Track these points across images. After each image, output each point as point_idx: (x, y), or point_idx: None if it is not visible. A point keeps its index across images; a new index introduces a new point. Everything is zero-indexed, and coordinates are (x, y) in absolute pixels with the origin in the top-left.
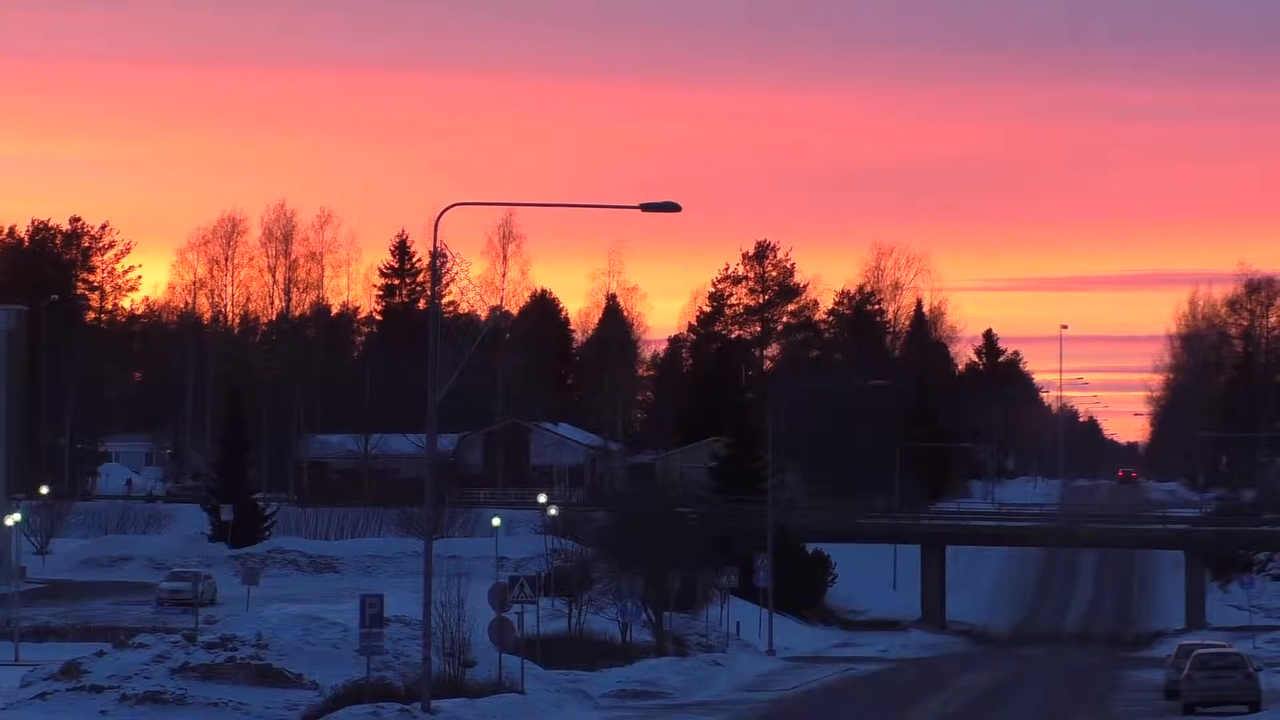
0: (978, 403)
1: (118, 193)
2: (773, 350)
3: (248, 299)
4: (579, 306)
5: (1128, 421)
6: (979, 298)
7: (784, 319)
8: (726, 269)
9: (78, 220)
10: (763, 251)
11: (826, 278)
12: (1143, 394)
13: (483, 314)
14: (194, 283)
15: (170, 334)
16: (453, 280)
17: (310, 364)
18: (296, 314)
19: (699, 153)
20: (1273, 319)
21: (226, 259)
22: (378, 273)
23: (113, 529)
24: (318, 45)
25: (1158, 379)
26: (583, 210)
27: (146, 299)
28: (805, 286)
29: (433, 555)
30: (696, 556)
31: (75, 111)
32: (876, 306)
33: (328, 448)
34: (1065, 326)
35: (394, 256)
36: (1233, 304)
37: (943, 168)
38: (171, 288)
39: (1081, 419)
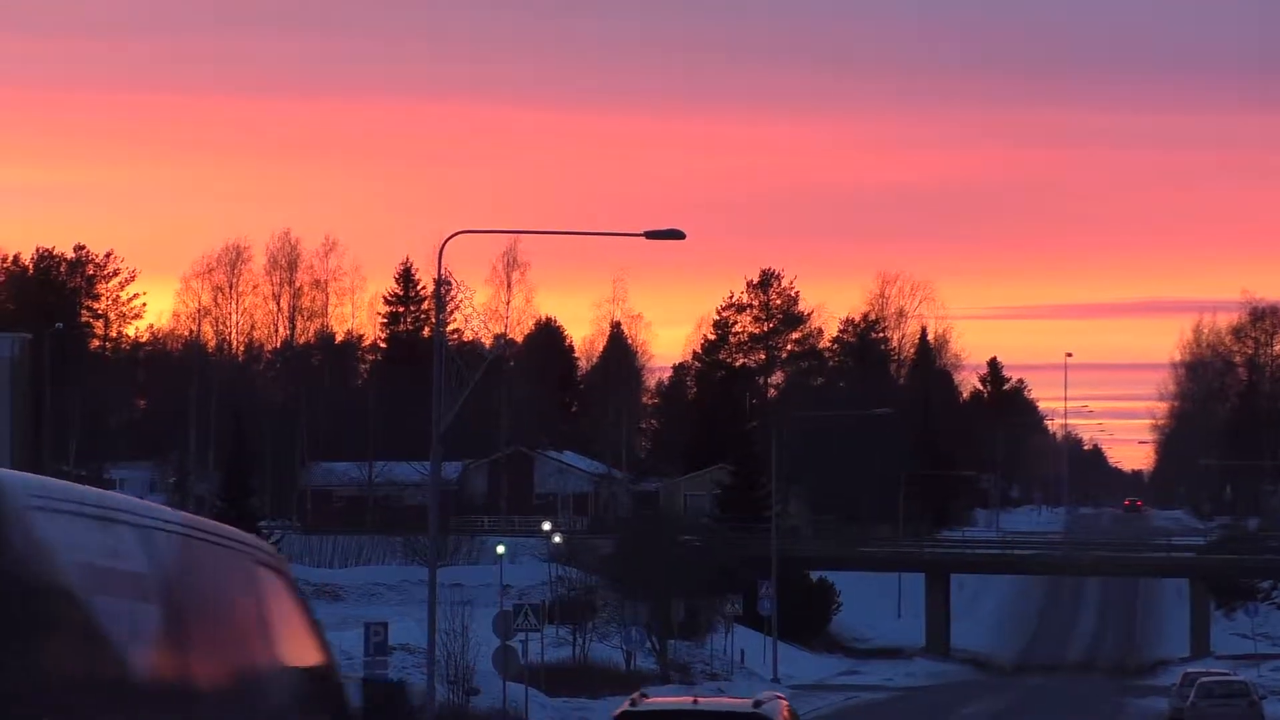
0: (982, 431)
1: (122, 220)
2: (777, 378)
3: (252, 326)
4: (583, 334)
5: (1132, 450)
6: (983, 326)
7: (788, 347)
8: (731, 297)
9: (82, 248)
10: (767, 279)
11: (831, 306)
12: (1147, 422)
13: (487, 342)
14: (198, 310)
15: (174, 362)
16: (457, 308)
17: (315, 391)
18: (301, 342)
19: (703, 180)
20: (1277, 347)
21: (231, 287)
22: (382, 300)
23: None
24: (322, 74)
25: (1162, 407)
26: (587, 238)
27: (151, 327)
28: (809, 314)
29: (437, 583)
30: (700, 584)
31: (79, 139)
32: (881, 335)
33: (332, 475)
34: (1070, 355)
35: (398, 284)
36: (1237, 332)
37: (947, 195)
38: (176, 315)
39: (1086, 447)
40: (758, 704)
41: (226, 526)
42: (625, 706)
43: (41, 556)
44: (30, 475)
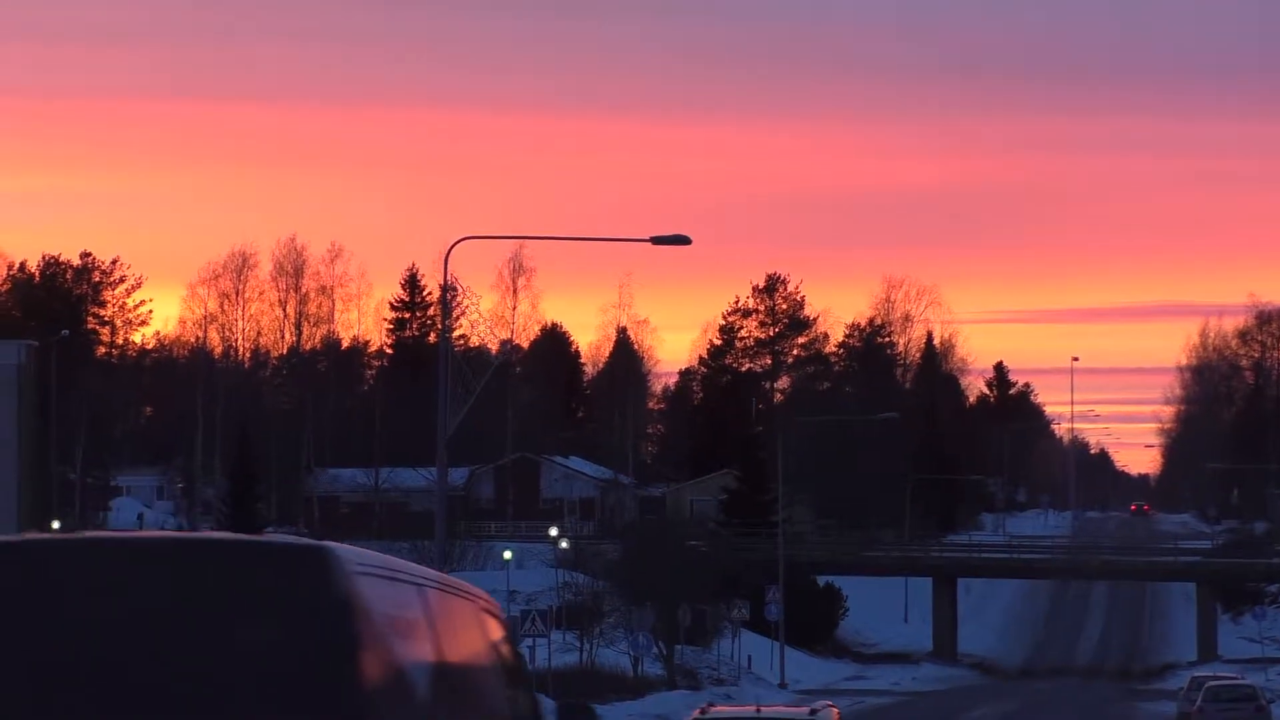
0: (988, 435)
1: (128, 228)
2: (783, 383)
3: (258, 333)
4: (589, 340)
5: (1139, 453)
6: (989, 330)
7: (794, 352)
8: (736, 302)
9: (88, 255)
10: (773, 284)
11: (836, 310)
12: (1154, 426)
13: (493, 347)
14: (204, 317)
15: (181, 368)
16: (463, 314)
17: (321, 398)
18: (307, 348)
19: (709, 186)
20: None
21: (237, 293)
22: (388, 306)
23: None
24: (328, 81)
25: (1169, 411)
26: (593, 244)
27: (157, 333)
28: (815, 319)
29: None
30: (707, 589)
31: (85, 147)
32: (886, 339)
33: (338, 481)
34: (1076, 359)
35: (404, 290)
36: (1243, 336)
37: (953, 200)
38: (182, 322)
39: (1093, 451)
40: (813, 712)
41: (463, 581)
42: (695, 715)
43: (365, 610)
44: (352, 548)
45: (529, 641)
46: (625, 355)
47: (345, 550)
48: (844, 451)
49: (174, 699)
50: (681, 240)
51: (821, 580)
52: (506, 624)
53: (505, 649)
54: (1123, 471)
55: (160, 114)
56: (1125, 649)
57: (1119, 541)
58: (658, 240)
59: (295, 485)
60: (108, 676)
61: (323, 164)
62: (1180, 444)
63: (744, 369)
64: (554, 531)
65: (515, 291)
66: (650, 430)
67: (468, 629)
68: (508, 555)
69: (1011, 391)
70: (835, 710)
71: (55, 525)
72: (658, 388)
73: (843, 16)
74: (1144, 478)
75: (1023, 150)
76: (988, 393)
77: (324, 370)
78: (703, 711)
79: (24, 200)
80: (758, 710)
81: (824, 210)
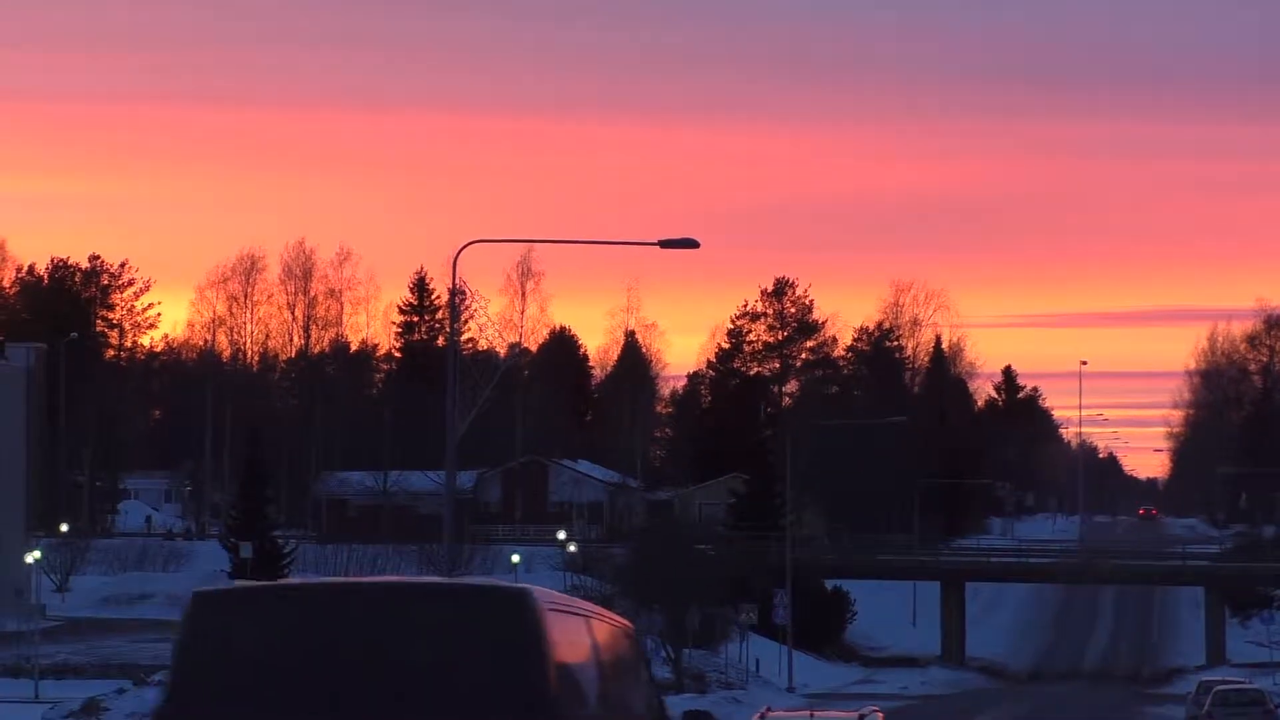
0: (997, 439)
1: (137, 231)
2: (791, 387)
3: (267, 336)
4: (598, 343)
5: (1147, 458)
6: (998, 334)
7: (803, 356)
8: (745, 306)
9: (97, 258)
10: (781, 288)
11: (845, 314)
12: (1162, 430)
13: (501, 351)
14: (213, 320)
15: (189, 371)
16: (472, 317)
17: (329, 401)
18: (315, 351)
19: (717, 189)
20: None
21: (246, 296)
22: (397, 310)
23: (132, 566)
24: (336, 85)
25: (1177, 415)
26: (601, 247)
27: (166, 337)
28: (824, 323)
29: None
30: (715, 593)
31: (93, 151)
32: (895, 343)
33: (347, 485)
34: (1084, 363)
35: (413, 294)
36: (1252, 340)
37: (962, 204)
38: (190, 325)
39: (1101, 455)
40: (861, 716)
41: (609, 611)
42: (756, 718)
43: (553, 639)
44: (544, 589)
45: None
46: (633, 359)
47: (540, 591)
48: (852, 455)
49: (409, 712)
50: (690, 244)
51: (830, 584)
52: (640, 642)
53: (641, 663)
54: (1131, 476)
55: (169, 118)
56: (1133, 653)
57: (1127, 546)
58: (666, 244)
59: (304, 488)
60: (362, 694)
61: (331, 167)
62: (1189, 448)
63: (752, 373)
64: (562, 535)
65: (524, 295)
66: (658, 434)
67: (616, 648)
68: (516, 558)
69: (1020, 396)
70: (880, 714)
71: (63, 528)
72: (666, 391)
73: (852, 20)
74: (1152, 482)
75: (1031, 155)
76: (996, 397)
77: (332, 373)
78: (762, 716)
79: (33, 203)
80: (811, 715)
81: (833, 214)
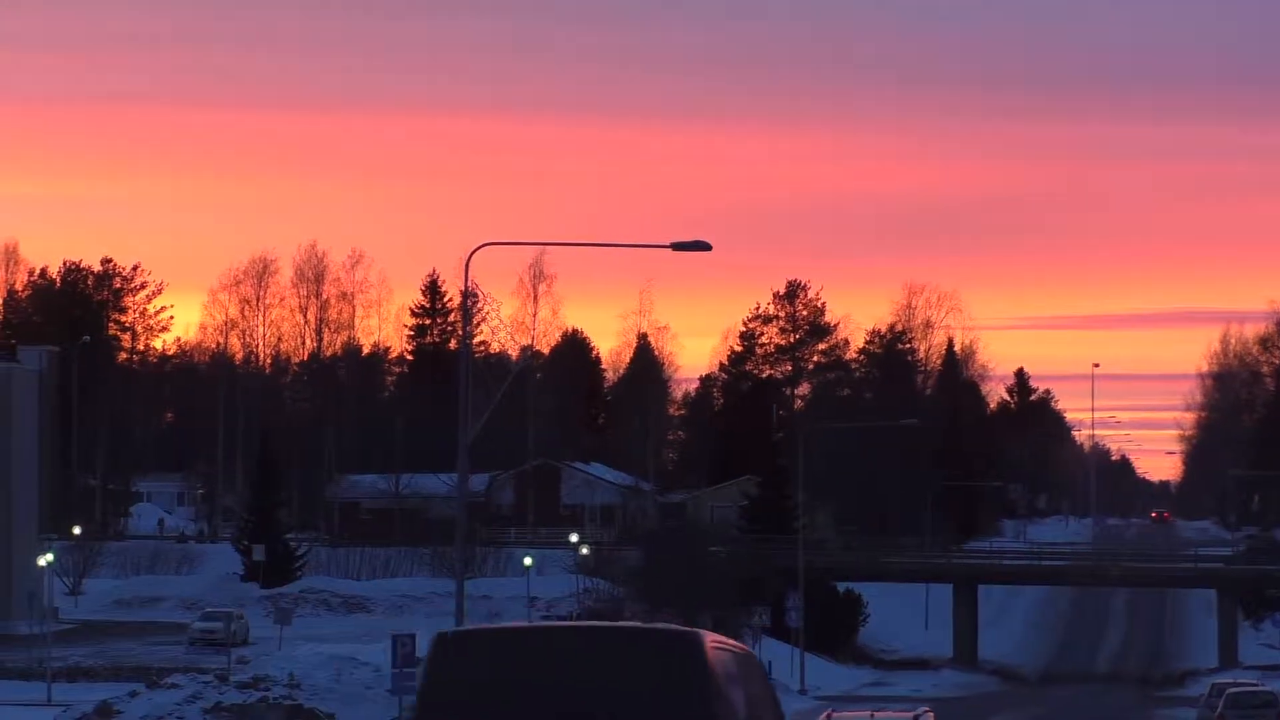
0: (1009, 442)
1: (149, 234)
2: (804, 389)
3: (279, 339)
4: (610, 346)
5: (1160, 460)
6: (1010, 336)
7: (815, 358)
8: (757, 308)
9: (109, 261)
10: (793, 291)
11: (857, 317)
12: (1175, 433)
13: (514, 354)
14: (225, 323)
15: (202, 374)
16: (484, 320)
17: (341, 404)
18: (328, 354)
19: (729, 192)
20: None
21: (258, 299)
22: (409, 313)
23: (145, 569)
24: (348, 87)
25: (1189, 418)
26: (614, 250)
27: (178, 339)
28: (836, 326)
29: (465, 595)
30: (727, 596)
31: (106, 153)
32: (907, 345)
33: (359, 487)
34: (1097, 365)
35: (425, 296)
36: (1264, 342)
37: (974, 206)
38: (203, 328)
39: (1113, 457)
40: (917, 716)
41: (739, 642)
42: (823, 717)
43: (716, 672)
44: (707, 632)
45: None
46: (646, 361)
47: (705, 634)
48: (864, 458)
49: None
50: (702, 246)
51: (842, 587)
52: (763, 664)
53: (767, 682)
54: (1143, 478)
55: (182, 121)
56: (1146, 656)
57: (1139, 548)
58: (678, 246)
59: (316, 491)
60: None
61: (344, 170)
62: (1201, 451)
63: (765, 375)
64: (574, 538)
65: (536, 298)
66: (671, 437)
67: (751, 673)
68: (528, 561)
69: (1032, 398)
70: (931, 714)
71: (76, 531)
72: (678, 394)
73: (865, 23)
74: (1165, 484)
75: (1044, 157)
76: (1008, 399)
77: (345, 376)
78: (828, 717)
79: (45, 206)
80: (871, 715)
81: (845, 217)
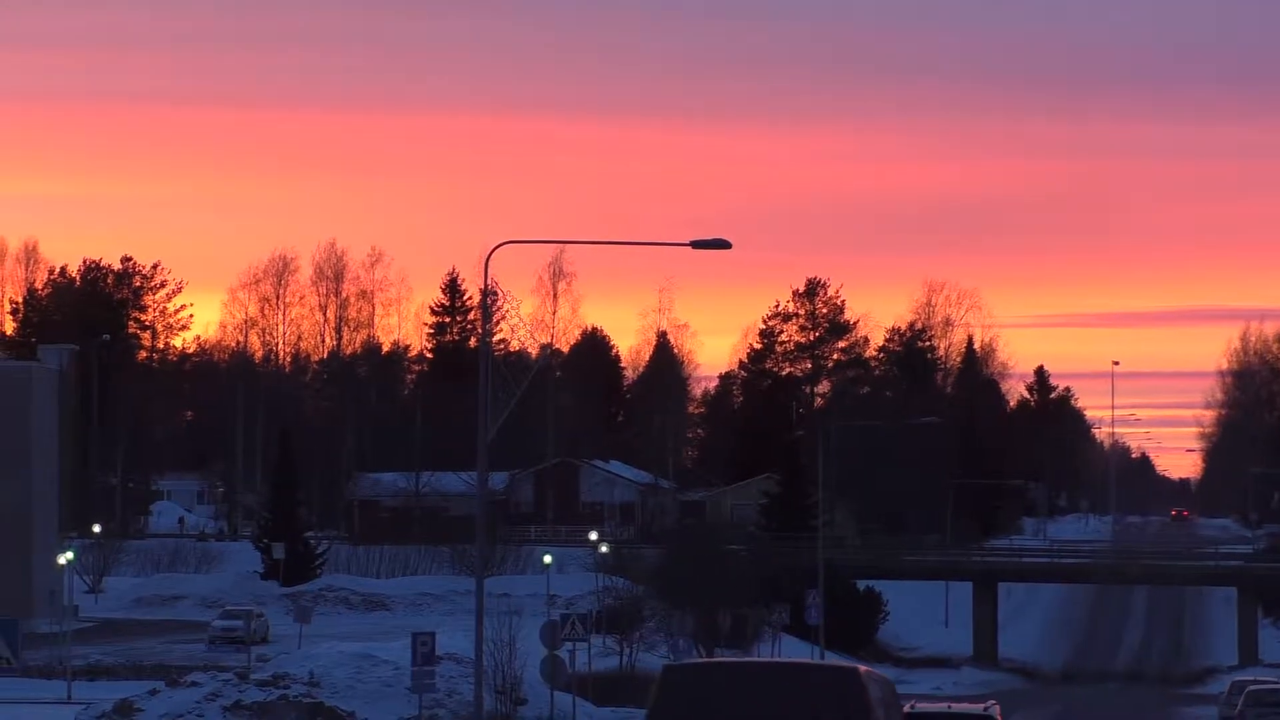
0: (1029, 440)
1: (169, 232)
2: (823, 387)
3: (299, 338)
4: (629, 344)
5: (1180, 458)
6: (1030, 334)
7: (834, 356)
8: (777, 306)
9: (129, 260)
10: (813, 289)
11: (877, 315)
12: (1195, 430)
13: (533, 352)
14: (245, 322)
15: (222, 373)
16: (503, 318)
17: (361, 402)
18: (347, 352)
19: (749, 190)
20: None
21: (278, 298)
22: (428, 311)
23: (165, 567)
24: (368, 86)
25: (1209, 415)
26: (633, 248)
27: (198, 338)
28: (856, 323)
29: (484, 593)
30: (747, 594)
31: (126, 152)
32: (927, 343)
33: (379, 486)
34: (1117, 363)
35: (444, 295)
36: None
37: (994, 204)
38: (223, 327)
39: (1133, 455)
40: (986, 708)
41: (883, 673)
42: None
43: (873, 699)
44: (864, 666)
45: (569, 646)
46: (665, 359)
47: (864, 668)
48: (884, 456)
49: None
50: (721, 244)
51: (861, 584)
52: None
53: (898, 703)
54: (1163, 476)
55: (201, 120)
56: (1166, 654)
57: (1159, 546)
58: (698, 244)
59: (336, 490)
60: None
61: (363, 169)
62: (1221, 448)
63: (784, 373)
64: (594, 536)
65: (555, 296)
66: (690, 434)
67: (890, 696)
68: (548, 559)
69: (1052, 396)
70: (997, 706)
71: (96, 529)
72: (698, 392)
73: (884, 21)
74: (1185, 482)
75: (1065, 155)
76: (1028, 397)
77: (364, 374)
78: (912, 708)
79: (65, 205)
80: (949, 707)
81: (864, 214)
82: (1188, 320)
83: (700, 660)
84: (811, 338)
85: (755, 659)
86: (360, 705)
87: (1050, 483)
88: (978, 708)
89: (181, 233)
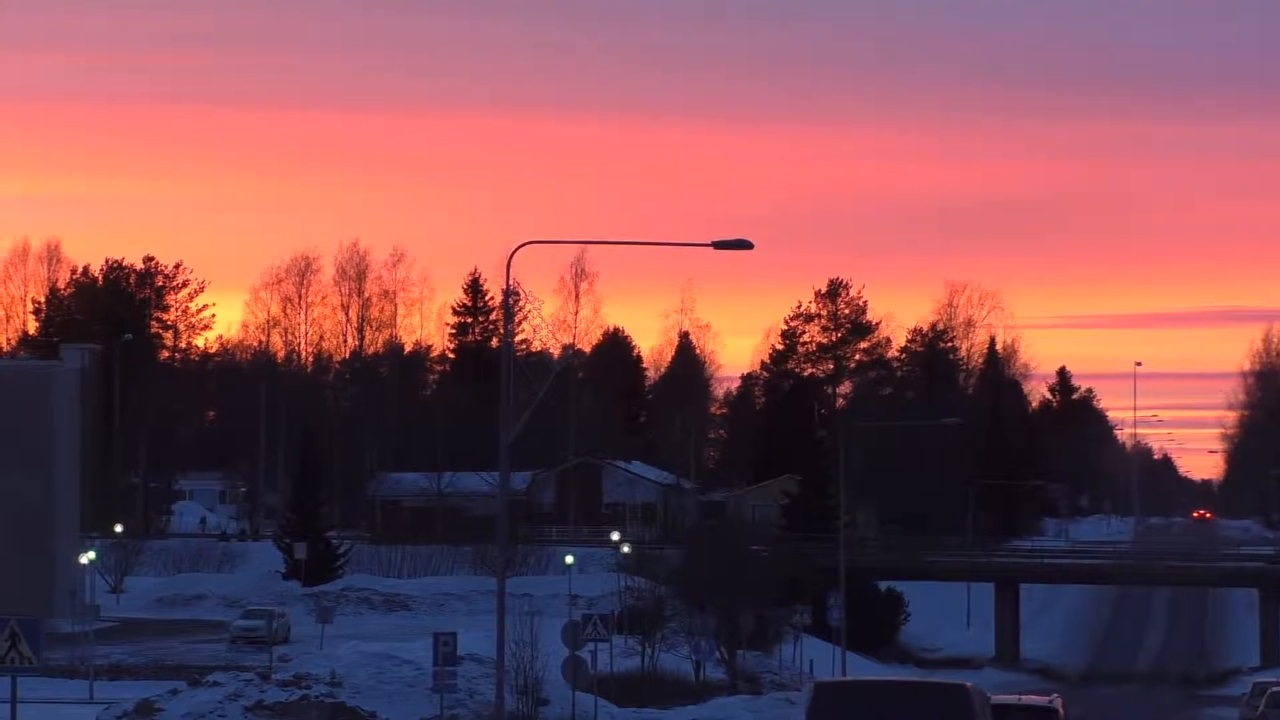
0: (1051, 441)
1: (191, 232)
2: (845, 388)
3: (321, 337)
4: (651, 344)
5: (1202, 459)
6: (1052, 335)
7: (856, 357)
8: (799, 307)
9: (151, 259)
10: (835, 289)
11: (899, 315)
12: (1217, 431)
13: (555, 352)
14: (267, 321)
15: (244, 372)
16: (525, 318)
17: (383, 402)
18: (369, 352)
19: (771, 190)
20: None
21: (300, 297)
22: (450, 311)
23: (186, 567)
24: (390, 86)
25: (1232, 416)
26: (655, 248)
27: (220, 338)
28: (878, 324)
29: (506, 593)
30: (769, 595)
31: (148, 152)
32: (949, 344)
33: (401, 486)
34: (1139, 364)
35: (467, 295)
36: None
37: (1016, 205)
38: (245, 326)
39: (1155, 456)
40: (1051, 700)
41: (973, 684)
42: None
43: (977, 707)
44: (967, 683)
45: (590, 646)
46: (687, 360)
47: (969, 684)
48: (906, 457)
49: None
50: (743, 245)
51: (883, 585)
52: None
53: (990, 711)
54: (1185, 477)
55: (223, 120)
56: (1188, 655)
57: (1181, 547)
58: (720, 245)
59: (357, 490)
60: None
61: (385, 169)
62: (1243, 450)
63: (806, 374)
64: (615, 536)
65: (577, 296)
66: (712, 435)
67: (984, 704)
68: (569, 560)
69: (1074, 397)
70: (1060, 699)
71: (118, 529)
72: (719, 392)
73: (906, 21)
74: (1207, 483)
75: (1086, 156)
76: (1050, 398)
77: (386, 374)
78: (989, 697)
79: (87, 205)
80: (1019, 698)
81: (887, 215)
82: (1210, 321)
83: (845, 679)
84: (833, 338)
85: (886, 677)
86: (382, 705)
87: (1072, 484)
88: (1044, 700)
89: (204, 232)
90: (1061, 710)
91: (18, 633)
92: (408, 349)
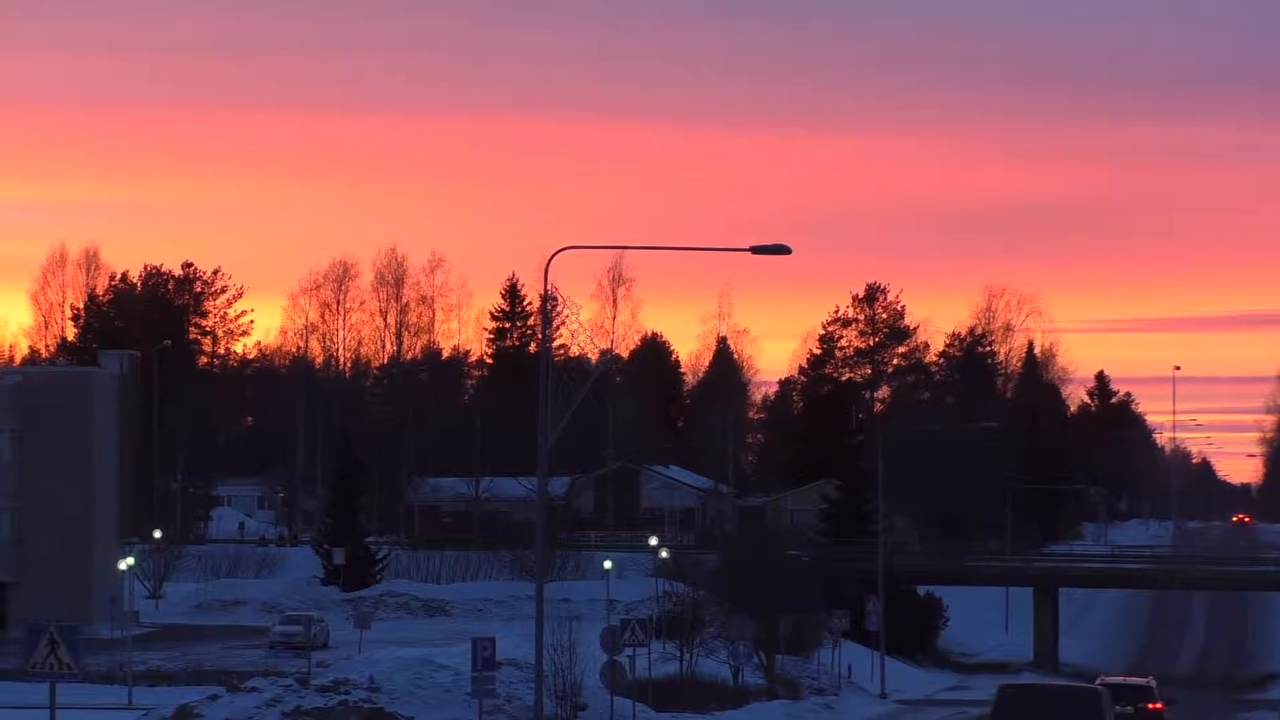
0: (1090, 444)
1: (230, 238)
2: (883, 393)
3: (359, 343)
4: (689, 349)
5: (1241, 463)
6: (1091, 339)
7: (894, 361)
8: (836, 311)
9: (190, 265)
10: (873, 294)
11: (937, 320)
12: (1256, 435)
13: (593, 357)
14: (305, 327)
15: (282, 378)
16: (563, 323)
17: (421, 407)
18: (408, 358)
19: (809, 195)
20: None
21: (338, 303)
22: (488, 316)
23: (225, 573)
24: (429, 92)
25: (1271, 420)
26: (693, 253)
27: (258, 343)
28: (916, 329)
29: (544, 598)
30: (807, 599)
31: (187, 158)
32: (987, 348)
33: (439, 491)
34: (1178, 368)
35: (504, 300)
36: None
37: (1054, 209)
38: (283, 332)
39: (1194, 460)
40: (1149, 681)
41: (1095, 686)
42: (1098, 683)
43: (1105, 708)
44: (1098, 687)
45: (629, 651)
46: (725, 364)
47: (1100, 689)
48: (945, 461)
49: None
50: (781, 250)
51: (922, 590)
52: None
53: (1113, 708)
54: (1224, 481)
55: (261, 125)
56: (1227, 659)
57: (1220, 551)
58: (757, 250)
59: (396, 495)
60: None
61: (423, 174)
62: None
63: (844, 378)
64: (654, 541)
65: (615, 301)
66: (750, 440)
67: (1109, 705)
68: (608, 565)
69: (1113, 401)
70: (1154, 680)
71: (157, 534)
72: (758, 397)
73: (943, 26)
74: (1246, 487)
75: (1124, 160)
76: (1089, 402)
77: (425, 380)
78: (1100, 682)
79: (126, 211)
80: (1124, 680)
81: (925, 219)
82: (1249, 325)
83: (1024, 682)
84: (871, 343)
85: (1054, 681)
86: (420, 710)
87: (1111, 487)
88: (1143, 680)
89: (242, 238)
90: (1155, 688)
91: (57, 638)
92: (446, 354)
